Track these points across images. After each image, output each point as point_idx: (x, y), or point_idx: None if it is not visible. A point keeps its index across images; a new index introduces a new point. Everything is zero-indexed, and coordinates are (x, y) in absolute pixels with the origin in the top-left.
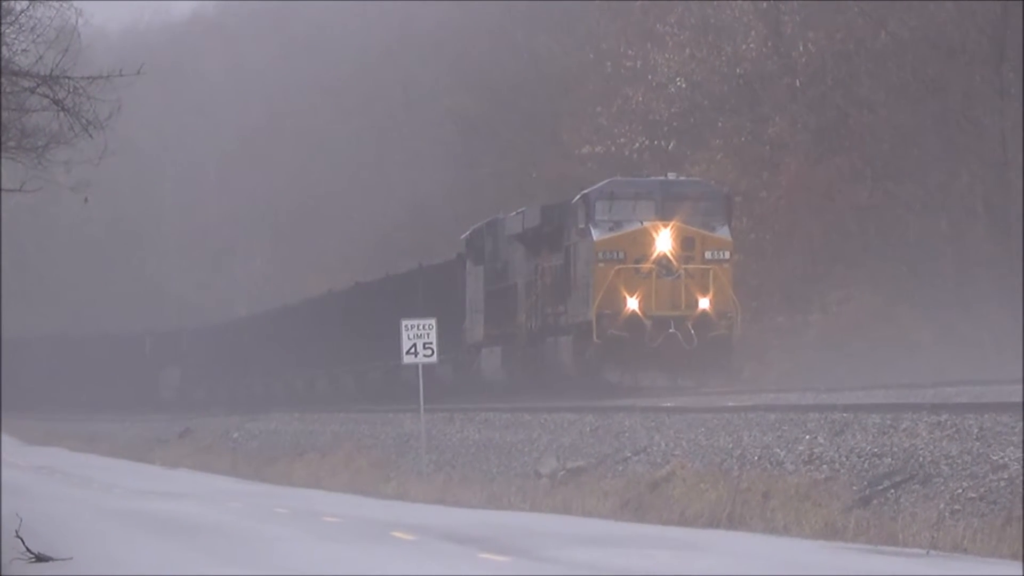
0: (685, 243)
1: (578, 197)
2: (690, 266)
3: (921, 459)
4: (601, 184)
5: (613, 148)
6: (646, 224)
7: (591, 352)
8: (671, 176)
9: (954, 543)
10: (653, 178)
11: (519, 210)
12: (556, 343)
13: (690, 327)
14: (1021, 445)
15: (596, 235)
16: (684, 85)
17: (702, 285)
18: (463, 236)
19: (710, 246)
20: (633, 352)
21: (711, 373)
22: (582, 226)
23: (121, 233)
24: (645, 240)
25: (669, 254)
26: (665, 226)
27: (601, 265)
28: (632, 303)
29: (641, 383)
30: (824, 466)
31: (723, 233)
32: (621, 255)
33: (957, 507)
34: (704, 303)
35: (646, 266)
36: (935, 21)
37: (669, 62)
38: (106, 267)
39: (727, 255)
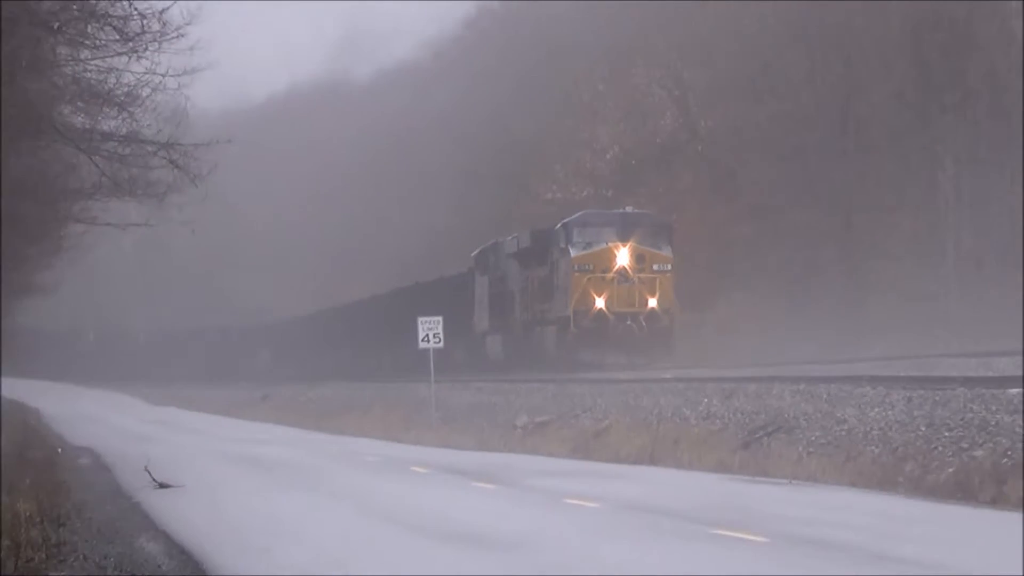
0: (638, 258)
1: (559, 225)
2: (642, 275)
3: (786, 416)
4: (577, 215)
5: (568, 195)
6: (610, 244)
7: (569, 339)
8: (629, 209)
9: (808, 475)
10: (616, 211)
11: (513, 235)
12: (543, 332)
13: (642, 320)
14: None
15: (573, 252)
16: (619, 150)
17: (651, 289)
18: (472, 254)
19: (656, 261)
20: (600, 338)
21: (657, 354)
22: (563, 246)
23: (217, 256)
24: (609, 256)
25: (626, 267)
26: (624, 246)
27: (576, 274)
28: (599, 303)
29: (606, 361)
30: (717, 420)
31: (666, 252)
32: (591, 267)
33: (811, 450)
34: (652, 303)
35: (609, 275)
36: (798, 101)
37: (608, 134)
38: (207, 281)
39: (669, 267)
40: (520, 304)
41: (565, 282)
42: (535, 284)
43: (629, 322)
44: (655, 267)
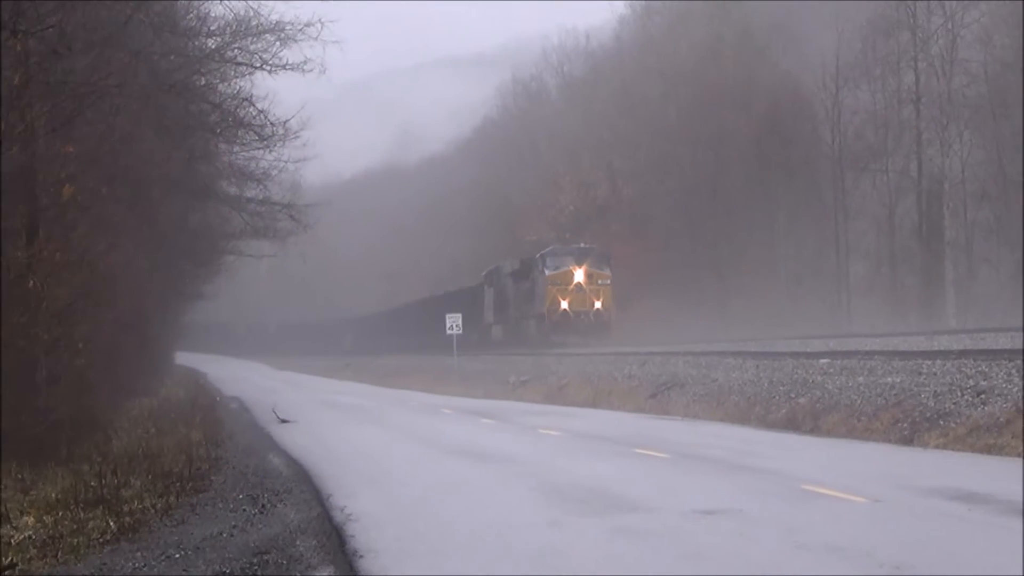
0: (589, 276)
1: (538, 255)
2: (591, 287)
3: (680, 376)
4: (549, 248)
5: (541, 237)
6: (571, 267)
7: (545, 328)
8: (583, 245)
9: (694, 414)
10: (574, 245)
11: (509, 260)
12: (528, 323)
13: (591, 316)
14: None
15: (547, 272)
16: (573, 209)
17: (597, 295)
18: (483, 274)
19: (601, 277)
20: (565, 328)
21: (601, 337)
22: (540, 268)
23: (319, 275)
24: (570, 275)
25: (581, 281)
26: (580, 268)
27: (549, 286)
28: (564, 304)
29: (569, 343)
30: (635, 380)
31: (607, 271)
32: (559, 281)
33: (696, 398)
34: (598, 304)
35: (570, 287)
36: (684, 178)
37: (566, 199)
38: (313, 290)
39: (609, 281)
40: (513, 305)
41: (542, 291)
42: (523, 292)
43: (583, 317)
44: (600, 281)
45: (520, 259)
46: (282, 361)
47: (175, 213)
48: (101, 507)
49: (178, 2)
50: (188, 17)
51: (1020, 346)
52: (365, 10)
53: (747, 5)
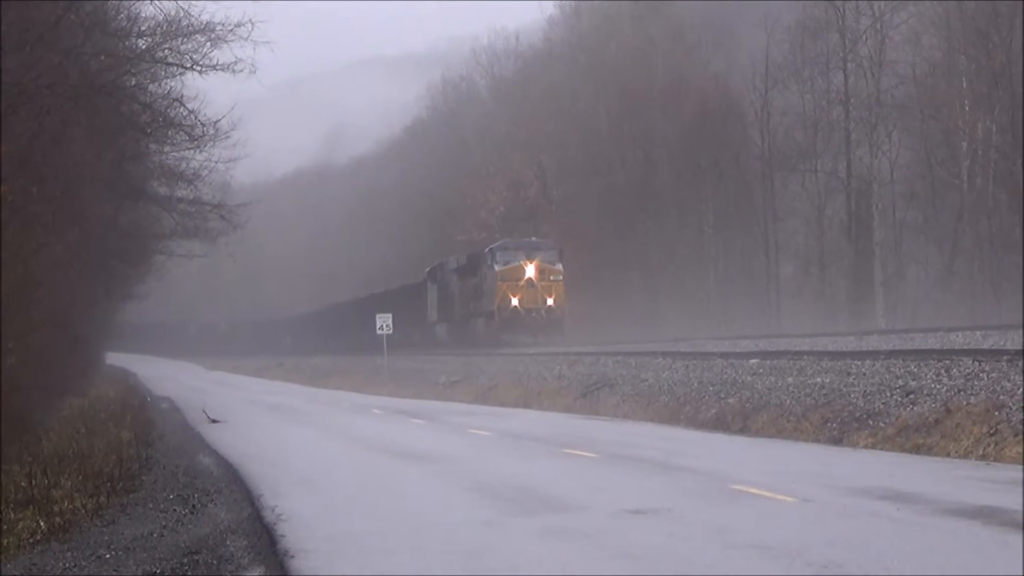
0: (541, 272)
1: (487, 249)
2: (542, 283)
3: (610, 376)
4: (499, 242)
5: (471, 238)
6: (521, 262)
7: (494, 326)
8: (534, 239)
9: (624, 414)
10: (525, 240)
11: (455, 256)
12: (476, 322)
13: (543, 313)
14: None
15: (497, 268)
16: (503, 209)
17: (549, 292)
18: (426, 270)
19: (552, 273)
20: (515, 326)
21: (553, 335)
22: (489, 263)
23: (250, 274)
24: (521, 270)
25: (532, 277)
26: (531, 263)
27: (499, 282)
28: (514, 301)
29: (519, 342)
30: (565, 380)
31: (559, 267)
32: (509, 277)
33: (625, 398)
34: (550, 301)
35: (521, 283)
36: (614, 179)
37: (496, 199)
38: (243, 289)
39: (561, 278)
40: (459, 303)
41: (491, 288)
42: (470, 289)
43: (534, 314)
44: (552, 277)
45: (467, 254)
46: (212, 361)
47: (105, 213)
48: (31, 507)
49: (109, 2)
50: (119, 17)
51: (948, 347)
52: (296, 10)
53: (676, 5)
